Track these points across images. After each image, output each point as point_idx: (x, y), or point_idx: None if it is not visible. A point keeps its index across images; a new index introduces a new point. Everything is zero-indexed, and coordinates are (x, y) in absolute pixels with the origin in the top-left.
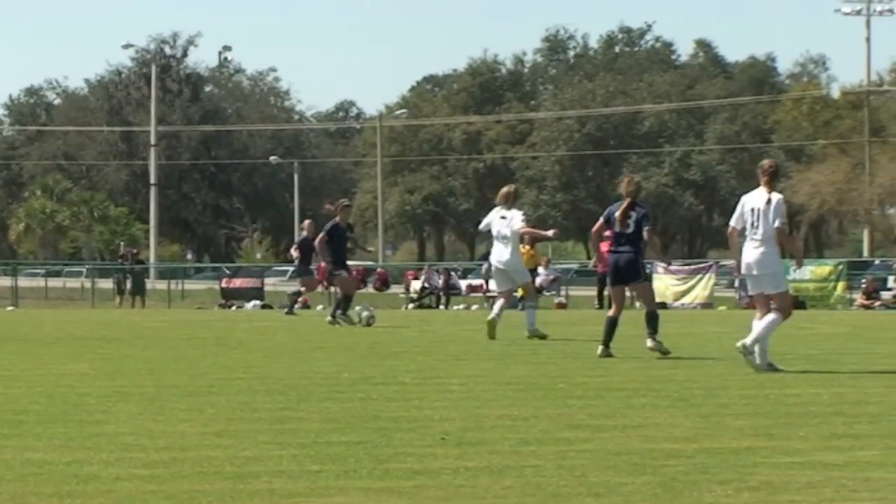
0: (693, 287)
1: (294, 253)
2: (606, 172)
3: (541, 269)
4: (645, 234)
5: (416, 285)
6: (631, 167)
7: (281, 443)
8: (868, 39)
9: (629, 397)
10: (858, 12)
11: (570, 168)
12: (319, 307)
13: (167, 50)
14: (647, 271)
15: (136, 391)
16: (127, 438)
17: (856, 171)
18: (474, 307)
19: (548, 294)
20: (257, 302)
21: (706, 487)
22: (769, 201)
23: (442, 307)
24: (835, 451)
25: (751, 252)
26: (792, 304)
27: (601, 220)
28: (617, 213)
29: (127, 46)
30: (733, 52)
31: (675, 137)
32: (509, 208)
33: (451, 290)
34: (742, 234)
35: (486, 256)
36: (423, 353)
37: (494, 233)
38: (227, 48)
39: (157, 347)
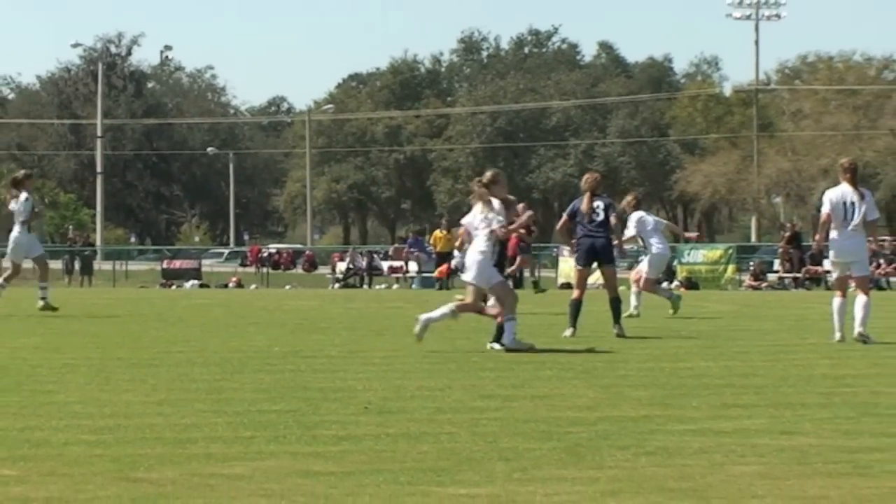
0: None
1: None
2: (517, 163)
3: (456, 252)
4: (612, 220)
5: (341, 266)
6: (539, 159)
7: (217, 411)
8: (757, 42)
9: (536, 370)
10: (748, 17)
11: (483, 159)
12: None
13: (113, 49)
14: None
15: (83, 363)
16: (75, 407)
17: (745, 162)
18: (395, 286)
19: (461, 275)
20: (195, 281)
21: (607, 452)
22: (863, 196)
23: (365, 287)
24: (724, 419)
25: (846, 240)
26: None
27: (565, 216)
28: (583, 207)
29: (76, 45)
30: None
31: (580, 131)
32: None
33: (373, 271)
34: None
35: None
36: (347, 329)
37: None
38: (168, 47)
39: (103, 323)
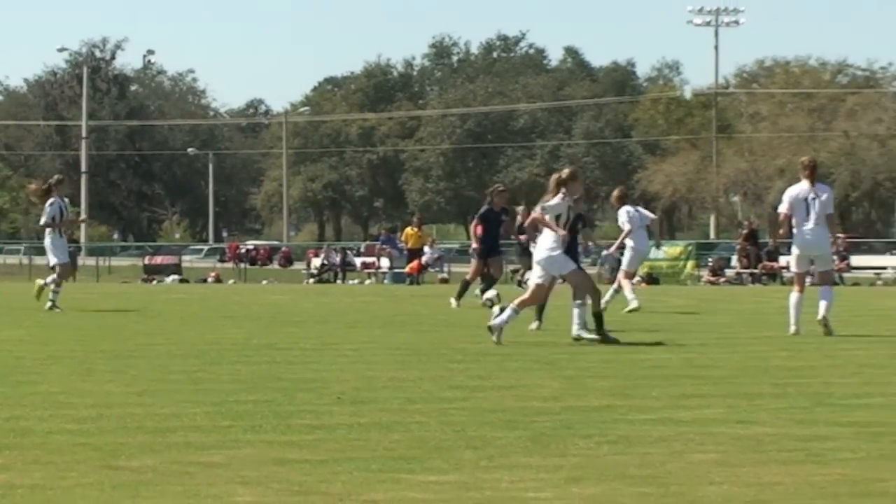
0: None
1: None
2: (485, 163)
3: (427, 249)
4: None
5: (316, 262)
6: (507, 159)
7: (195, 401)
8: (716, 47)
9: (503, 361)
10: (708, 23)
11: (453, 160)
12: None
13: (97, 53)
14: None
15: (67, 355)
16: (59, 397)
17: (704, 163)
18: (367, 282)
19: (432, 270)
20: (175, 277)
21: (571, 441)
22: (819, 193)
23: (339, 282)
24: (683, 409)
25: (810, 235)
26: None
27: (533, 214)
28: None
29: (62, 50)
30: (598, 57)
31: (546, 133)
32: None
33: (347, 266)
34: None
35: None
36: (321, 322)
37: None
38: (150, 52)
39: (87, 317)
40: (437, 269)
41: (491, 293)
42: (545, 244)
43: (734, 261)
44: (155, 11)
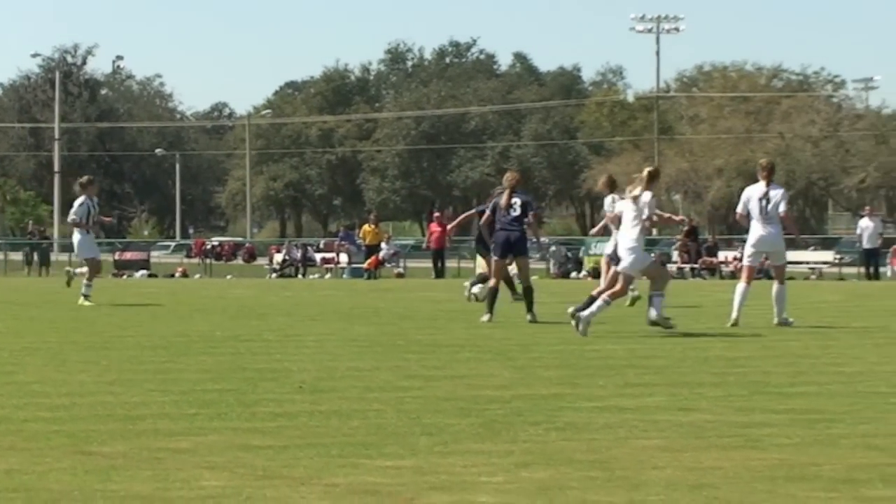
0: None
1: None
2: (439, 164)
3: (383, 245)
4: (530, 217)
5: (278, 258)
6: (459, 159)
7: (164, 390)
8: (658, 53)
9: (456, 352)
10: (650, 30)
11: (408, 160)
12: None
13: (69, 59)
14: (474, 247)
15: (42, 346)
16: (34, 386)
17: (647, 163)
18: (327, 276)
19: (389, 265)
20: (144, 271)
21: (521, 428)
22: (769, 193)
23: (300, 276)
24: (628, 397)
25: (764, 232)
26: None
27: (488, 212)
28: (502, 202)
29: (35, 56)
30: (545, 63)
31: (497, 135)
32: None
33: (307, 262)
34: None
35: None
36: (283, 315)
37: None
38: (119, 57)
39: (60, 310)
40: (393, 264)
41: (477, 288)
42: (631, 238)
43: (675, 256)
44: (124, 19)
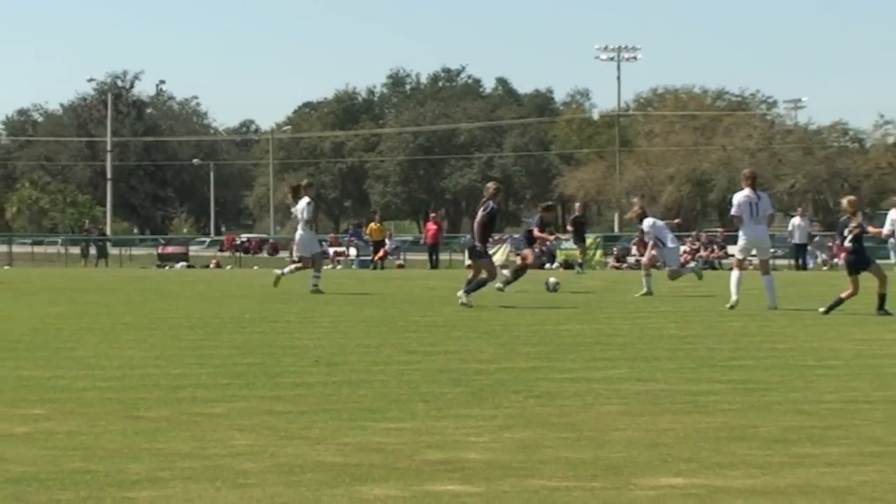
0: (494, 254)
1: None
2: (433, 172)
3: (386, 241)
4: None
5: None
6: (450, 168)
7: (201, 364)
8: (618, 78)
9: (449, 332)
10: (612, 58)
11: (408, 168)
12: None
13: (119, 83)
14: (463, 242)
15: (97, 326)
16: (90, 360)
17: (609, 171)
18: (338, 267)
19: (391, 258)
20: (184, 263)
21: (504, 395)
22: (759, 197)
23: None
24: (594, 369)
25: (754, 231)
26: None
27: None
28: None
29: (90, 80)
30: (523, 86)
31: (482, 147)
32: None
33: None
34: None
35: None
36: (302, 300)
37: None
38: (162, 81)
39: (112, 295)
40: (395, 257)
41: (504, 283)
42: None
43: (634, 250)
44: (166, 49)
